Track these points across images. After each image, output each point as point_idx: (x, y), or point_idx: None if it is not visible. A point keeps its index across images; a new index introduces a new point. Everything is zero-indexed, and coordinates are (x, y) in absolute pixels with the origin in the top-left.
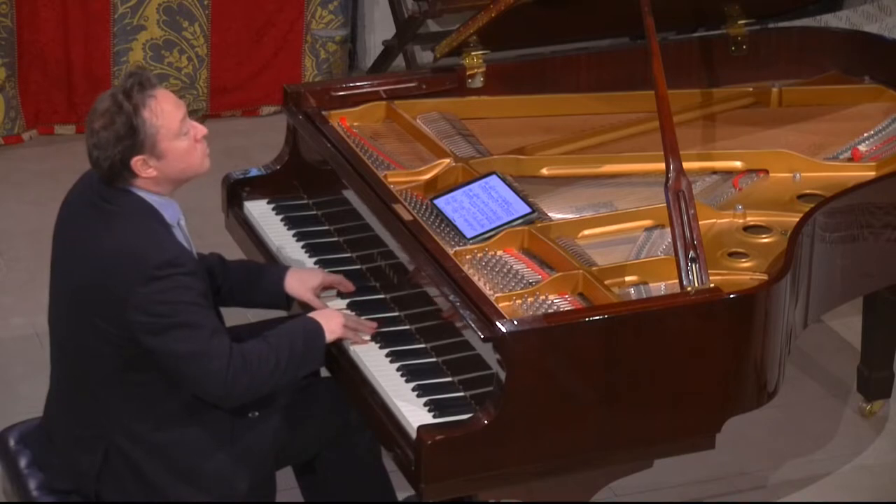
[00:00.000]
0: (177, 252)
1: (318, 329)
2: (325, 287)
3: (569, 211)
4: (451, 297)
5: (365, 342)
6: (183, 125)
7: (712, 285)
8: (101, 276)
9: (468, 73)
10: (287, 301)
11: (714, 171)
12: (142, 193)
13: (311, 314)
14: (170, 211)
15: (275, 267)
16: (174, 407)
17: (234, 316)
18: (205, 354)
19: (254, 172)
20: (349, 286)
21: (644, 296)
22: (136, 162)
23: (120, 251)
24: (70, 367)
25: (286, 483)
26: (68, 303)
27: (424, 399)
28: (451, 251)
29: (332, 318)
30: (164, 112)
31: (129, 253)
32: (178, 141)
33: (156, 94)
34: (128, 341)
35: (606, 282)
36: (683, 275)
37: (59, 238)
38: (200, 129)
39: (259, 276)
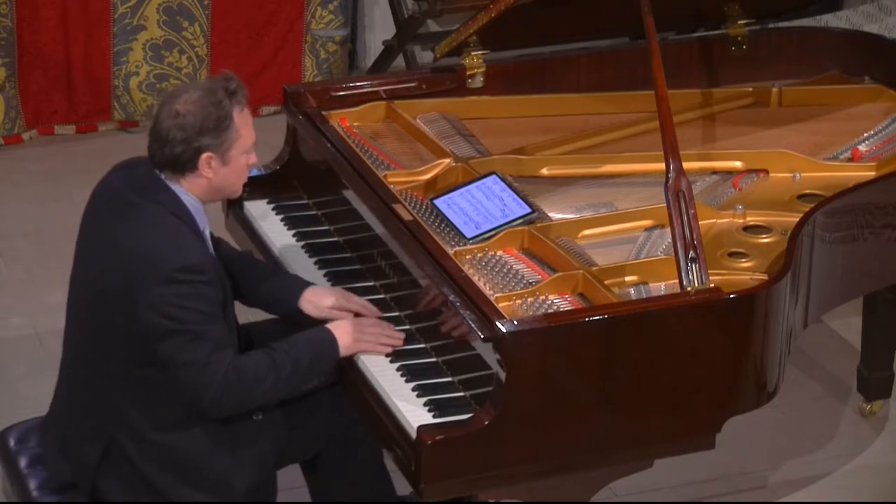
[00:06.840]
0: (201, 258)
1: (331, 342)
2: (339, 309)
3: (569, 211)
4: (451, 297)
5: (385, 351)
6: (252, 146)
7: (712, 285)
8: (125, 271)
9: (468, 73)
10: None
11: (714, 171)
12: (182, 195)
13: (330, 325)
14: (200, 217)
15: (292, 282)
16: (177, 407)
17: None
18: (201, 367)
19: (254, 172)
20: (374, 311)
21: (644, 296)
22: (205, 158)
23: (146, 248)
24: (81, 356)
25: (287, 483)
26: (90, 296)
27: (424, 399)
28: (451, 251)
29: (349, 333)
30: (248, 125)
31: (154, 251)
32: (243, 157)
33: (246, 108)
34: (141, 338)
35: (606, 282)
36: (683, 275)
37: (86, 232)
38: (253, 158)
39: (276, 289)
